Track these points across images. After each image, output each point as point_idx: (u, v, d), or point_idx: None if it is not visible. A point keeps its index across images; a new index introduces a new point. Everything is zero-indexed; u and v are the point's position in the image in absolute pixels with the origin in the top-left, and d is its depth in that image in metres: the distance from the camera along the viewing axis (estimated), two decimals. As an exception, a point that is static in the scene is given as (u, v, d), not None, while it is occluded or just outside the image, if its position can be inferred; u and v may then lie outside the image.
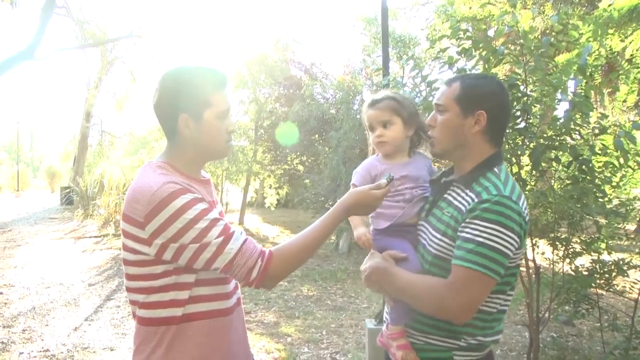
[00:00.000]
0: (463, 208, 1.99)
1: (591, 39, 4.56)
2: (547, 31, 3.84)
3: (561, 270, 4.54)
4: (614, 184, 4.42)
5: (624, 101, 6.67)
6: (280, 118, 19.01)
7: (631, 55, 6.79)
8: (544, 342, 6.15)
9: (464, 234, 1.92)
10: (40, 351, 5.90)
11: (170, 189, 1.84)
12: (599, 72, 4.14)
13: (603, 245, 4.63)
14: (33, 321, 7.10)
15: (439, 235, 2.04)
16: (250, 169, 19.73)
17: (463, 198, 2.02)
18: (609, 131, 4.08)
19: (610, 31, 5.81)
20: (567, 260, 4.55)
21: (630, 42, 6.41)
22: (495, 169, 2.06)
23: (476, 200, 1.95)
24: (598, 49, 4.90)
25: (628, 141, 3.77)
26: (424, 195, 2.23)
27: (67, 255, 12.68)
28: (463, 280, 1.88)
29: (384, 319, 2.32)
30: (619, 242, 5.00)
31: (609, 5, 5.87)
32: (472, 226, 1.91)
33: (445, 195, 2.12)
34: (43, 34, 14.59)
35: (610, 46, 6.59)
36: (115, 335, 6.51)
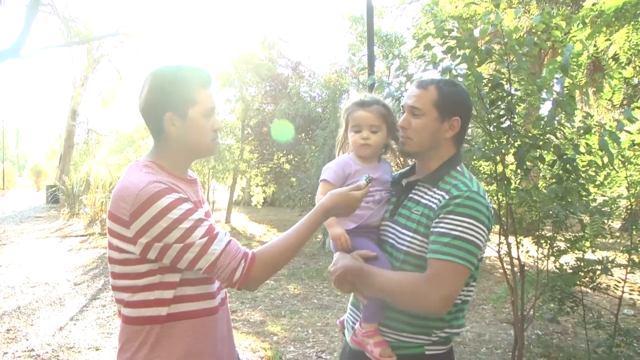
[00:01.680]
0: (434, 205, 2.06)
1: (580, 39, 4.56)
2: (533, 30, 3.85)
3: (546, 269, 4.57)
4: (598, 182, 4.44)
5: (610, 99, 6.70)
6: (267, 116, 19.00)
7: (615, 53, 6.83)
8: (529, 339, 6.19)
9: (438, 229, 1.99)
10: (25, 351, 5.86)
11: (156, 188, 1.84)
12: (584, 71, 4.14)
13: (588, 244, 4.66)
14: (18, 321, 7.06)
15: (409, 233, 2.10)
16: (236, 167, 19.71)
17: (432, 196, 2.10)
18: (593, 130, 4.11)
19: (598, 30, 5.84)
20: (552, 258, 4.57)
21: (614, 41, 6.47)
22: (458, 168, 2.17)
23: (447, 197, 2.03)
24: (586, 48, 4.91)
25: (612, 141, 3.80)
26: (389, 198, 2.29)
27: (53, 254, 12.63)
28: (442, 273, 1.95)
29: (348, 319, 2.36)
30: (603, 241, 5.02)
31: (594, 5, 5.92)
32: (446, 221, 1.98)
33: (411, 195, 2.20)
34: (28, 32, 14.47)
35: (595, 45, 6.64)
36: (100, 334, 6.48)
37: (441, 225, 1.99)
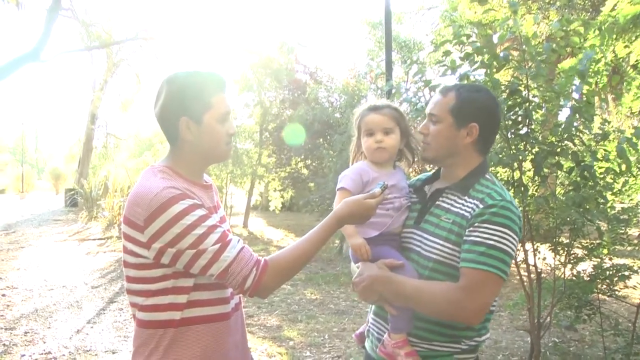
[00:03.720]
0: (467, 214, 2.03)
1: (596, 45, 4.55)
2: (552, 37, 3.85)
3: (563, 276, 4.54)
4: (616, 190, 4.42)
5: (630, 107, 6.68)
6: (285, 121, 19.04)
7: (636, 61, 6.79)
8: (546, 347, 6.15)
9: (472, 238, 1.97)
10: (42, 354, 5.90)
11: (170, 194, 1.86)
12: (604, 77, 4.13)
13: (605, 251, 4.63)
14: (35, 323, 7.11)
15: (439, 241, 2.07)
16: (254, 172, 19.73)
17: (463, 204, 2.07)
18: (610, 137, 4.09)
19: (615, 37, 5.81)
20: (569, 265, 4.55)
21: (634, 48, 6.42)
22: (487, 176, 2.14)
23: (481, 206, 2.00)
24: (604, 55, 4.89)
25: (630, 148, 3.78)
26: (408, 205, 2.26)
27: (71, 257, 12.70)
28: (478, 282, 1.92)
29: (372, 330, 2.33)
30: (621, 248, 4.99)
31: (612, 11, 5.89)
32: (481, 230, 1.96)
33: (439, 203, 2.16)
34: (48, 36, 14.65)
35: (615, 52, 6.60)
36: (117, 338, 6.52)
37: (475, 234, 1.97)
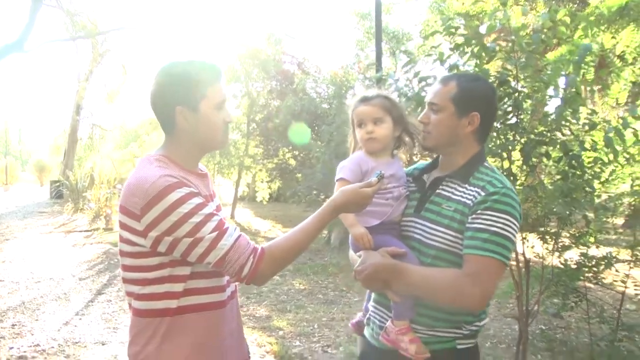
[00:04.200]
0: (468, 202, 2.06)
1: (582, 37, 4.59)
2: (538, 30, 3.89)
3: (550, 264, 4.59)
4: (603, 179, 4.47)
5: (616, 98, 6.74)
6: (272, 112, 19.00)
7: (622, 52, 6.86)
8: (533, 334, 6.23)
9: (475, 225, 2.00)
10: (31, 346, 5.89)
11: (167, 182, 1.87)
12: (591, 68, 4.17)
13: (592, 239, 4.69)
14: (23, 316, 7.08)
15: (441, 229, 2.10)
16: (242, 162, 19.72)
17: (464, 192, 2.11)
18: (598, 127, 4.14)
19: (602, 28, 5.88)
20: (557, 254, 4.60)
21: (621, 39, 6.49)
22: (486, 164, 2.18)
23: (483, 193, 2.04)
24: (599, 45, 4.96)
25: (617, 138, 3.82)
26: (407, 194, 2.29)
27: (57, 249, 12.65)
28: (483, 269, 1.96)
29: (373, 318, 2.34)
30: (607, 237, 5.06)
31: (601, 3, 5.93)
32: (484, 217, 1.99)
33: (439, 191, 2.19)
34: (32, 26, 14.52)
35: (601, 43, 6.65)
36: (106, 329, 6.51)
37: (478, 221, 2.00)
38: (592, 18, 5.30)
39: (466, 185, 2.11)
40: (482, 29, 3.99)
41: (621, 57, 6.59)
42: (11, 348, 5.80)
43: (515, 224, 2.01)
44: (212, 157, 18.94)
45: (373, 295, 2.35)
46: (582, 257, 4.73)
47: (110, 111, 34.43)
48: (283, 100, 17.41)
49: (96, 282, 9.20)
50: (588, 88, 4.20)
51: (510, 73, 3.95)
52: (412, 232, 2.20)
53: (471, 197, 2.06)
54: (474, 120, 2.14)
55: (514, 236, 2.01)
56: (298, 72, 19.92)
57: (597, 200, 4.47)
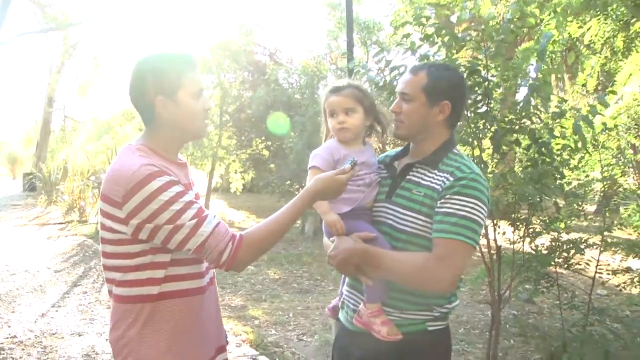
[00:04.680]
0: (437, 187, 2.12)
1: (551, 27, 4.69)
2: (509, 18, 3.96)
3: (521, 250, 4.68)
4: (572, 166, 4.56)
5: (584, 85, 6.88)
6: (245, 103, 18.94)
7: (590, 40, 6.98)
8: (506, 319, 6.35)
9: (444, 209, 2.06)
10: (8, 337, 5.88)
11: (148, 171, 1.90)
12: (558, 57, 4.26)
13: (562, 225, 4.78)
14: (-1, 308, 7.06)
15: (412, 214, 2.15)
16: (215, 154, 19.62)
17: (433, 178, 2.16)
18: (567, 115, 4.22)
19: (570, 18, 5.98)
20: (528, 239, 4.69)
21: (589, 29, 6.60)
22: (455, 150, 2.24)
23: (451, 178, 2.10)
24: (558, 36, 5.04)
25: (586, 125, 3.90)
26: (378, 180, 2.34)
27: (32, 242, 12.57)
28: (451, 252, 2.02)
29: (346, 302, 2.39)
30: (578, 223, 5.16)
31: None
32: (453, 201, 2.05)
33: (409, 177, 2.24)
34: (4, 18, 14.28)
35: (569, 32, 6.77)
36: (82, 320, 6.51)
37: (447, 205, 2.05)
38: (559, 9, 5.39)
39: (435, 171, 2.16)
40: (453, 19, 4.05)
41: (588, 46, 6.71)
42: (-13, 340, 5.78)
43: (483, 208, 2.06)
44: (186, 149, 18.77)
45: (347, 279, 2.40)
46: (553, 243, 4.82)
47: (83, 103, 34.02)
48: (255, 91, 17.37)
49: (72, 274, 9.17)
50: (559, 76, 4.25)
51: (481, 62, 4.01)
52: (383, 218, 2.26)
53: (440, 183, 2.12)
54: (444, 108, 2.19)
55: (482, 220, 2.07)
56: (270, 63, 19.88)
57: (566, 188, 4.55)
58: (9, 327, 6.28)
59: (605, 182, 5.07)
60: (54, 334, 6.01)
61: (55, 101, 31.61)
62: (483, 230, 4.43)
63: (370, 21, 17.96)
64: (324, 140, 2.42)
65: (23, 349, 5.54)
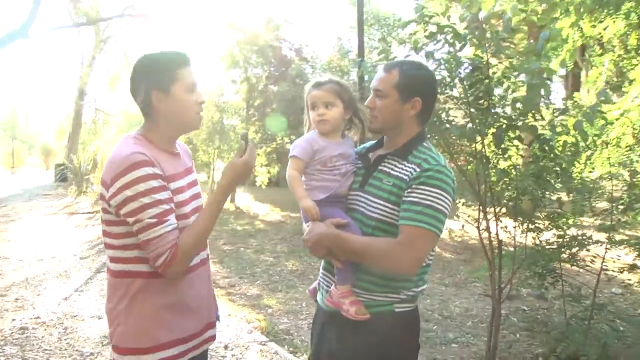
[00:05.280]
0: (405, 177, 2.26)
1: (564, 25, 4.76)
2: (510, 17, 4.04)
3: (524, 244, 4.76)
4: (581, 162, 4.61)
5: (595, 82, 6.89)
6: (270, 97, 19.12)
7: (608, 40, 6.98)
8: (515, 314, 6.45)
9: (410, 198, 2.20)
10: (32, 318, 6.15)
11: (136, 159, 2.10)
12: (567, 55, 4.31)
13: (570, 222, 4.83)
14: (25, 291, 7.36)
15: (381, 202, 2.29)
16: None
17: (402, 169, 2.30)
18: (572, 113, 4.30)
19: (585, 17, 6.00)
20: (530, 234, 4.76)
21: (605, 28, 6.61)
22: (425, 143, 2.37)
23: (418, 169, 2.23)
24: (571, 34, 5.10)
25: (587, 122, 3.98)
26: (354, 170, 2.48)
27: (60, 230, 12.93)
28: (414, 238, 2.16)
29: (321, 284, 2.56)
30: (588, 221, 5.22)
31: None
32: (418, 191, 2.19)
33: (381, 168, 2.38)
34: (37, 13, 14.66)
35: (582, 31, 6.79)
36: (103, 304, 6.65)
37: (413, 194, 2.19)
38: (572, 7, 5.44)
39: (405, 162, 2.30)
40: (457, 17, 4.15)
41: (602, 45, 6.71)
42: (13, 320, 6.07)
43: (447, 198, 2.20)
44: (212, 142, 19.06)
45: (322, 263, 2.55)
46: (559, 238, 4.87)
47: (113, 96, 34.55)
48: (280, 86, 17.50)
49: (96, 261, 9.45)
50: (563, 75, 4.33)
51: (482, 60, 4.11)
52: (356, 205, 2.40)
53: (407, 173, 2.25)
54: (415, 105, 2.33)
55: (446, 209, 2.20)
56: (296, 58, 20.03)
57: (577, 184, 4.61)
58: (34, 308, 6.55)
59: (612, 179, 5.10)
60: (75, 316, 6.27)
61: (87, 94, 32.17)
62: (485, 224, 4.56)
63: (390, 17, 18.02)
64: (306, 131, 2.56)
65: (45, 329, 5.80)
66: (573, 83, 11.43)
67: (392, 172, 2.33)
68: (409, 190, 2.21)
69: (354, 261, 2.29)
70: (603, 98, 3.96)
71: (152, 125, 2.31)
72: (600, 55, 6.39)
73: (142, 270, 2.19)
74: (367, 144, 2.61)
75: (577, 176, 4.94)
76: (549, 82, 4.02)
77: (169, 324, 2.24)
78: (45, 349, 5.24)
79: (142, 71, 2.27)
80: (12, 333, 5.64)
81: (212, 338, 2.52)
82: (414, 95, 2.32)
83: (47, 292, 7.34)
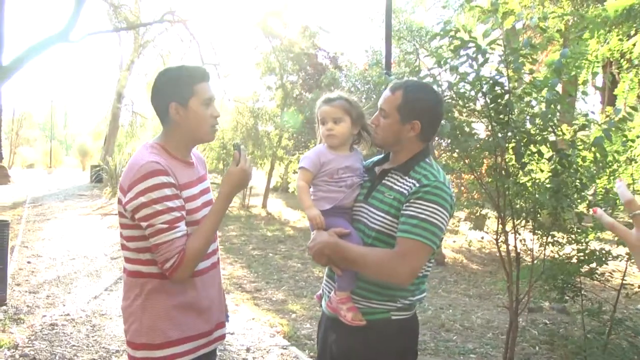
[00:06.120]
0: (405, 191, 2.35)
1: (588, 39, 4.79)
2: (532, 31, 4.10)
3: (542, 257, 4.79)
4: (603, 177, 4.64)
5: (625, 98, 6.85)
6: (304, 105, 19.27)
7: (637, 56, 6.94)
8: (536, 327, 6.46)
9: (408, 212, 2.29)
10: (62, 315, 6.36)
11: (152, 167, 2.25)
12: (589, 70, 4.32)
13: (591, 236, 4.86)
14: (57, 289, 7.60)
15: (382, 214, 2.40)
16: (274, 153, 20.04)
17: (404, 184, 2.39)
18: (593, 128, 4.34)
19: (608, 30, 5.99)
20: (549, 247, 4.79)
21: (635, 43, 6.57)
22: (427, 160, 2.46)
23: (418, 185, 2.33)
24: (595, 50, 5.11)
25: (605, 137, 4.01)
26: (360, 183, 2.58)
27: (93, 230, 13.24)
28: (410, 250, 2.25)
29: (324, 290, 2.66)
30: (608, 234, 5.22)
31: (606, 5, 6.03)
32: (415, 205, 2.28)
33: (384, 182, 2.48)
34: (78, 17, 15.00)
35: (609, 45, 6.76)
36: (131, 304, 6.91)
37: (411, 209, 2.29)
38: (598, 20, 5.45)
39: (406, 178, 2.40)
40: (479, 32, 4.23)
41: (629, 60, 6.67)
42: (44, 316, 6.30)
43: (443, 213, 2.29)
44: (246, 147, 19.28)
45: (326, 270, 2.66)
46: (580, 253, 4.89)
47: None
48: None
49: (126, 262, 9.65)
50: (583, 90, 4.36)
51: (503, 75, 4.18)
52: (359, 216, 2.51)
53: (407, 188, 2.35)
54: (415, 127, 2.42)
55: (443, 223, 2.29)
56: (330, 67, 20.17)
57: (591, 198, 4.63)
58: (64, 305, 6.78)
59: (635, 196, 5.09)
60: (103, 315, 6.46)
61: (124, 97, 32.62)
62: (504, 237, 4.62)
63: (423, 29, 18.02)
64: (318, 142, 2.68)
65: (74, 326, 6.00)
66: (609, 97, 11.35)
67: (394, 186, 2.43)
68: (407, 204, 2.31)
69: (352, 269, 2.39)
70: (621, 116, 4.00)
71: (169, 135, 2.46)
72: (627, 69, 6.38)
73: (153, 271, 2.34)
74: (375, 158, 2.71)
75: (600, 191, 4.97)
76: (571, 96, 4.07)
77: (179, 322, 2.38)
78: (73, 345, 5.42)
79: (163, 84, 2.41)
80: (42, 329, 5.84)
81: (222, 337, 2.66)
82: (413, 118, 2.41)
83: (78, 291, 7.57)
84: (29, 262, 9.29)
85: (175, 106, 2.37)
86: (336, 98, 2.59)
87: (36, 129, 75.56)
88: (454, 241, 13.88)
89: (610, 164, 4.85)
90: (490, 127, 4.35)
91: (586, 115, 4.40)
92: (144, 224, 2.24)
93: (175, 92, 2.38)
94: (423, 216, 2.25)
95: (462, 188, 7.55)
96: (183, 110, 2.38)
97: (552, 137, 4.23)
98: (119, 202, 2.34)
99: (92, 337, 5.70)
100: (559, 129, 4.26)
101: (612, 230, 1.25)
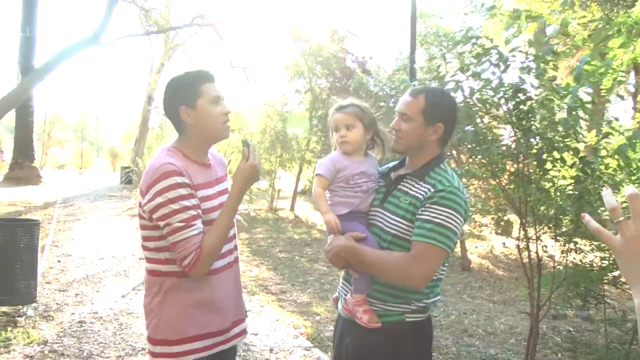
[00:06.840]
0: (421, 196, 2.41)
1: (616, 46, 4.79)
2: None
3: (564, 263, 4.80)
4: (628, 184, 4.62)
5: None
6: (332, 109, 19.30)
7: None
8: (559, 334, 6.44)
9: (423, 216, 2.35)
10: (90, 313, 6.49)
11: (168, 169, 2.35)
12: (612, 78, 4.29)
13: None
14: (85, 287, 7.74)
15: (397, 219, 2.45)
16: (302, 157, 20.15)
17: (419, 189, 2.45)
18: (616, 136, 4.34)
19: (634, 37, 5.96)
20: (572, 254, 4.80)
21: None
22: (442, 165, 2.52)
23: (433, 190, 2.38)
24: (621, 56, 5.09)
25: (629, 145, 4.02)
26: (375, 188, 2.64)
27: (122, 230, 13.42)
28: (425, 253, 2.31)
29: (340, 292, 2.71)
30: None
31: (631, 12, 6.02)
32: (431, 210, 2.34)
33: (400, 187, 2.54)
34: (109, 21, 15.22)
35: (635, 52, 6.72)
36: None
37: (426, 213, 2.34)
38: (624, 28, 5.43)
39: (422, 183, 2.45)
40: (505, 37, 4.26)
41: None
42: (73, 314, 6.43)
43: (458, 218, 2.34)
44: (274, 151, 19.43)
45: (342, 273, 2.72)
46: (603, 260, 4.89)
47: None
48: (344, 98, 17.67)
49: (154, 262, 9.80)
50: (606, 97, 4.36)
51: (524, 82, 4.21)
52: (375, 221, 2.56)
53: (423, 193, 2.40)
54: (438, 130, 2.47)
55: (457, 227, 2.34)
56: (358, 71, 20.23)
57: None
58: (92, 304, 6.91)
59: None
60: (130, 313, 6.58)
61: (154, 100, 33.07)
62: (525, 243, 4.63)
63: (449, 34, 18.00)
64: (333, 149, 2.74)
65: (102, 324, 6.12)
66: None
67: (409, 191, 2.48)
68: (423, 209, 2.36)
69: (368, 272, 2.45)
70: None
71: (184, 139, 2.55)
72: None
73: (172, 270, 2.44)
74: (391, 164, 2.77)
75: (624, 198, 4.94)
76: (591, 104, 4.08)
77: (196, 319, 2.48)
78: (101, 342, 5.55)
79: (171, 91, 2.53)
80: (70, 326, 5.98)
81: (242, 333, 2.75)
82: (437, 120, 2.47)
83: (106, 289, 7.70)
84: (59, 261, 9.46)
85: (184, 109, 2.47)
86: (348, 105, 2.65)
87: (68, 131, 76.75)
88: (476, 247, 13.81)
89: (635, 171, 4.83)
90: (514, 133, 4.38)
91: (610, 122, 4.40)
92: (161, 223, 2.34)
93: (183, 95, 2.49)
94: (438, 220, 2.30)
95: (490, 193, 7.53)
96: (192, 111, 2.47)
97: (575, 144, 4.25)
98: (139, 204, 2.44)
99: (119, 334, 5.81)
100: (582, 135, 4.27)
101: (598, 235, 1.31)
